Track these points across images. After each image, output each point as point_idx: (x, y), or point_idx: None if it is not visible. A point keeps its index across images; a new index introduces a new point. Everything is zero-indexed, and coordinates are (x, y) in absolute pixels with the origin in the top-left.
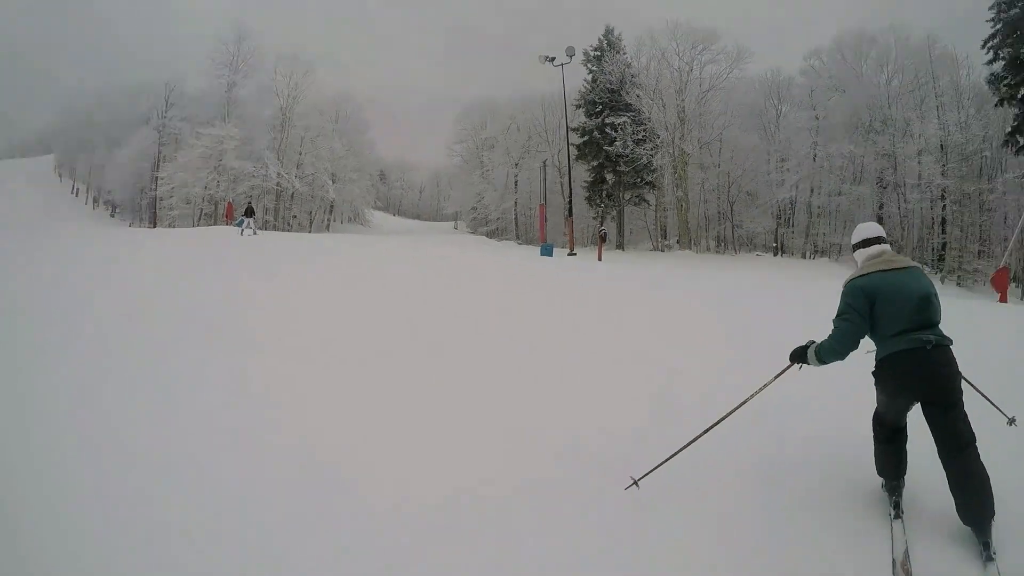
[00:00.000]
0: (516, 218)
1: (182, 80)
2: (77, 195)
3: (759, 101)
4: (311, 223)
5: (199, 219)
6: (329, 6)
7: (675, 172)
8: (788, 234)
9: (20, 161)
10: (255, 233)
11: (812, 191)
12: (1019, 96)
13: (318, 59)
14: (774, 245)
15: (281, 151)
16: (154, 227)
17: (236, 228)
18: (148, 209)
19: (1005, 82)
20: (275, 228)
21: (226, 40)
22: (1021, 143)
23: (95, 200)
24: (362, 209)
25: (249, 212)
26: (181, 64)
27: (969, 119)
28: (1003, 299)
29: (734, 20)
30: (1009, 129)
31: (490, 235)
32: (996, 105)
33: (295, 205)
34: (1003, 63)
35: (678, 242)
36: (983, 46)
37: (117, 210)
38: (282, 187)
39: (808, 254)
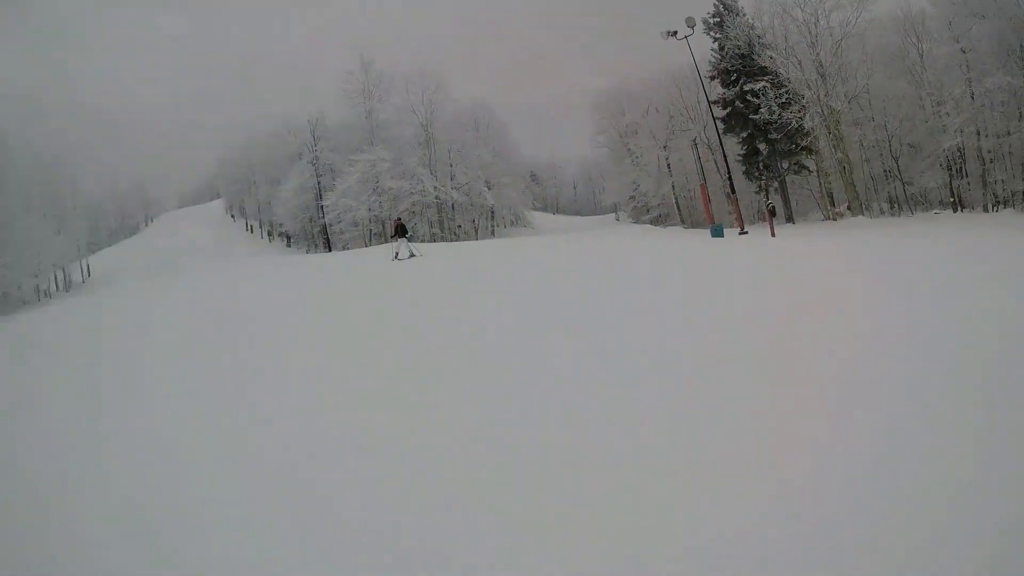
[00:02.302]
0: (676, 202)
1: (323, 115)
2: (252, 231)
3: (896, 42)
4: (476, 230)
5: (369, 239)
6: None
7: (829, 133)
8: (963, 186)
9: (195, 208)
10: (413, 255)
11: (979, 134)
12: None
13: (449, 70)
14: (951, 200)
15: (432, 165)
16: (329, 251)
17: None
18: (320, 235)
19: None
20: (442, 239)
21: (353, 71)
22: None
23: (269, 234)
24: (521, 211)
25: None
26: (319, 101)
27: None
28: None
29: None
30: None
31: (654, 222)
32: None
33: (458, 215)
34: None
35: (848, 208)
36: None
37: (292, 240)
38: (441, 199)
39: (990, 206)
